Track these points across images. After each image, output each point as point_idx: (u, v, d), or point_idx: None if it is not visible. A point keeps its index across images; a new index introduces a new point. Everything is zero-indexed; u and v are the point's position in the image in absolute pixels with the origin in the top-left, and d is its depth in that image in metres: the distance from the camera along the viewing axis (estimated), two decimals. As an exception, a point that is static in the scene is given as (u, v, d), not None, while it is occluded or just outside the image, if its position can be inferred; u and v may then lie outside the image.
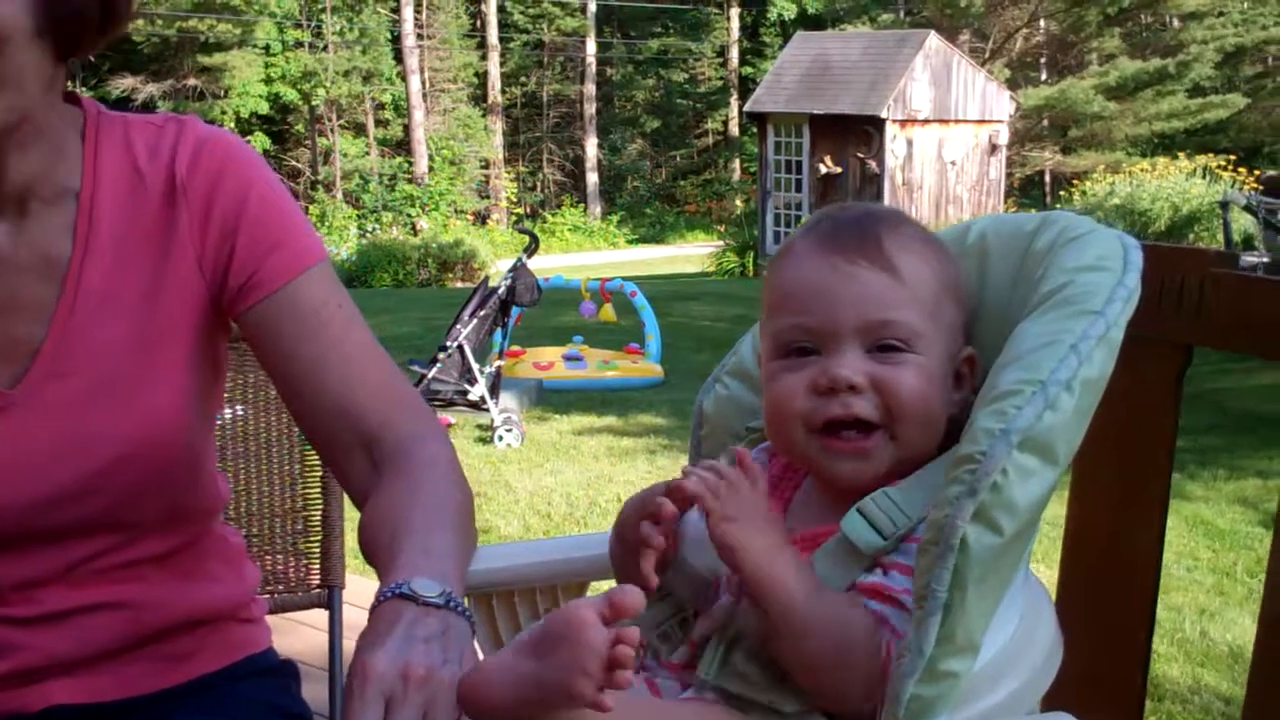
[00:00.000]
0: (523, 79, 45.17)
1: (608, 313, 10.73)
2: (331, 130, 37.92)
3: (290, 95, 36.91)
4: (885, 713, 1.13)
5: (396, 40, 38.38)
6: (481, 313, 7.98)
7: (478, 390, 7.83)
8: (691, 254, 29.43)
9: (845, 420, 1.24)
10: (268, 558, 2.16)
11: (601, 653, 0.95)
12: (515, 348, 9.85)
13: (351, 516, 1.46)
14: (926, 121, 22.87)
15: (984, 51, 31.63)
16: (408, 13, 37.07)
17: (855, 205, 1.36)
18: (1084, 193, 20.69)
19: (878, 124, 22.22)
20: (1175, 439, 1.75)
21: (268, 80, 36.43)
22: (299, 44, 37.52)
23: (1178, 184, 18.76)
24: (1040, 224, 1.36)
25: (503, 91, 42.78)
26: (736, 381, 1.53)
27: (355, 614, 1.16)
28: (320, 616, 2.20)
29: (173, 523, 1.51)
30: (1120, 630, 1.77)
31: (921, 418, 1.25)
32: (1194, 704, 3.88)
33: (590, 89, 43.06)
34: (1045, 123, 31.16)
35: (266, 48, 36.44)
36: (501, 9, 42.80)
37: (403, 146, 38.97)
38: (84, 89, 1.42)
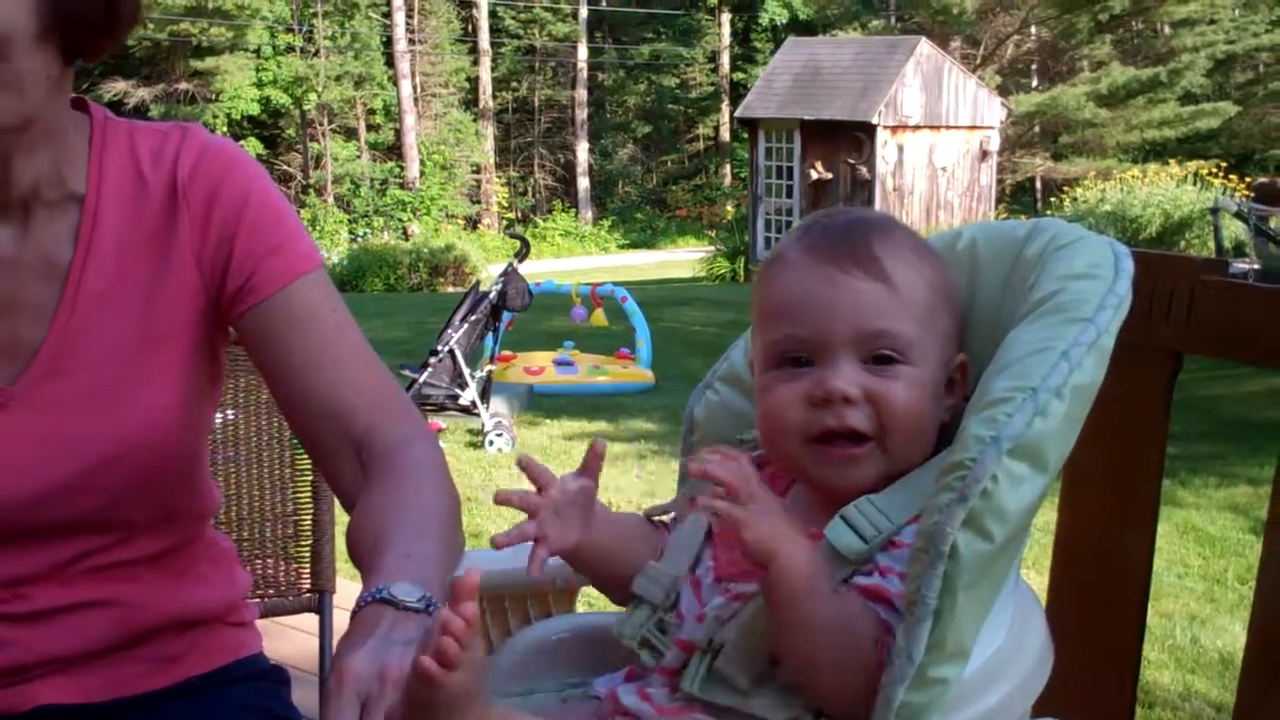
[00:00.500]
0: (514, 84, 45.18)
1: (599, 318, 10.74)
2: (323, 135, 37.88)
3: (282, 99, 36.88)
4: (874, 718, 1.13)
5: (388, 45, 38.41)
6: (473, 317, 7.98)
7: (469, 395, 7.83)
8: (683, 259, 29.43)
9: (839, 431, 1.24)
10: (258, 562, 2.15)
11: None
12: (506, 352, 9.84)
13: (342, 521, 1.46)
14: (917, 127, 22.89)
15: (975, 58, 31.68)
16: (399, 18, 37.14)
17: (845, 211, 1.35)
18: (1075, 199, 20.70)
19: (869, 130, 22.24)
20: (1166, 446, 1.75)
21: (259, 84, 36.41)
22: (291, 48, 37.50)
23: (1169, 191, 18.77)
24: (1031, 231, 1.36)
25: (494, 96, 42.80)
26: (728, 387, 1.52)
27: (345, 619, 1.17)
28: (310, 621, 2.20)
29: (165, 523, 1.52)
30: (1111, 637, 1.77)
31: (913, 430, 1.25)
32: (1185, 711, 3.88)
33: (581, 94, 43.08)
34: (1036, 129, 31.23)
35: (258, 52, 36.41)
36: (493, 14, 42.83)
37: (394, 151, 38.99)
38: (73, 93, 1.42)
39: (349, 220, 33.45)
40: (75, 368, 1.41)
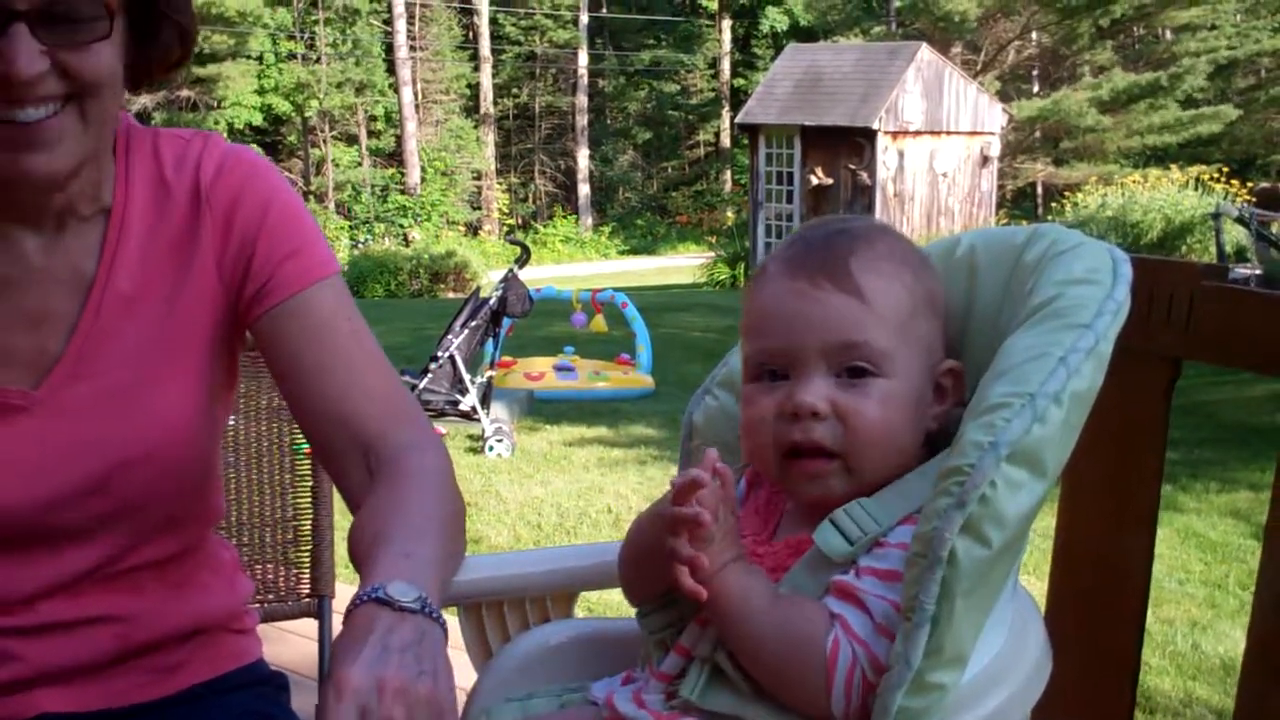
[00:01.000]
0: (515, 90, 45.23)
1: (599, 323, 10.74)
2: (324, 141, 37.92)
3: (283, 106, 36.92)
4: (873, 723, 1.13)
5: (389, 52, 38.45)
6: (473, 323, 7.99)
7: (469, 400, 7.83)
8: (683, 265, 29.45)
9: (804, 447, 1.24)
10: (258, 567, 2.16)
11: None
12: (506, 358, 9.85)
13: (341, 526, 1.47)
14: (918, 133, 22.88)
15: (976, 64, 31.70)
16: (400, 25, 37.16)
17: (831, 221, 1.35)
18: (1076, 205, 20.71)
19: (869, 136, 22.23)
20: (1165, 451, 1.75)
21: (261, 91, 36.43)
22: (292, 55, 37.54)
23: (1170, 196, 18.78)
24: (1030, 237, 1.36)
25: (495, 103, 42.84)
26: (726, 393, 1.52)
27: (344, 623, 1.16)
28: (310, 626, 2.21)
29: (172, 527, 1.53)
30: (1110, 642, 1.77)
31: (881, 446, 1.25)
32: (1186, 717, 3.88)
33: (582, 100, 43.10)
34: (1037, 135, 31.21)
35: (260, 59, 36.45)
36: (494, 21, 42.86)
37: (395, 157, 39.01)
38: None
39: (350, 226, 33.48)
40: (97, 372, 1.43)
